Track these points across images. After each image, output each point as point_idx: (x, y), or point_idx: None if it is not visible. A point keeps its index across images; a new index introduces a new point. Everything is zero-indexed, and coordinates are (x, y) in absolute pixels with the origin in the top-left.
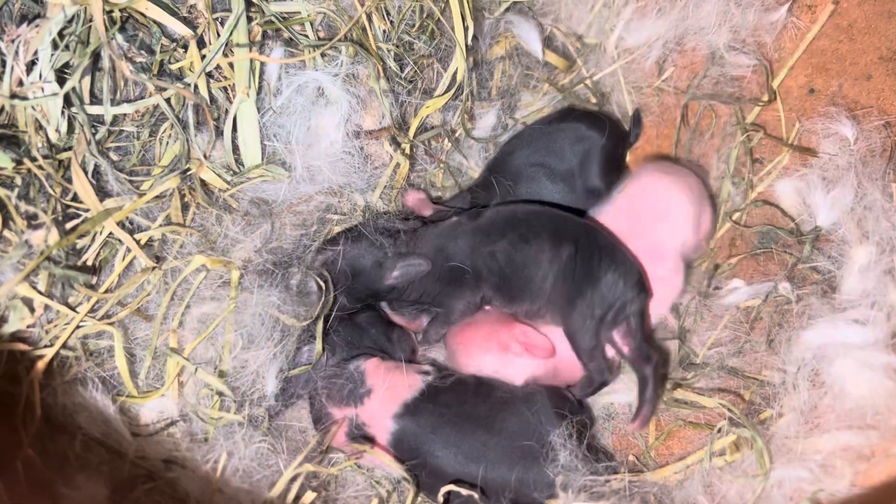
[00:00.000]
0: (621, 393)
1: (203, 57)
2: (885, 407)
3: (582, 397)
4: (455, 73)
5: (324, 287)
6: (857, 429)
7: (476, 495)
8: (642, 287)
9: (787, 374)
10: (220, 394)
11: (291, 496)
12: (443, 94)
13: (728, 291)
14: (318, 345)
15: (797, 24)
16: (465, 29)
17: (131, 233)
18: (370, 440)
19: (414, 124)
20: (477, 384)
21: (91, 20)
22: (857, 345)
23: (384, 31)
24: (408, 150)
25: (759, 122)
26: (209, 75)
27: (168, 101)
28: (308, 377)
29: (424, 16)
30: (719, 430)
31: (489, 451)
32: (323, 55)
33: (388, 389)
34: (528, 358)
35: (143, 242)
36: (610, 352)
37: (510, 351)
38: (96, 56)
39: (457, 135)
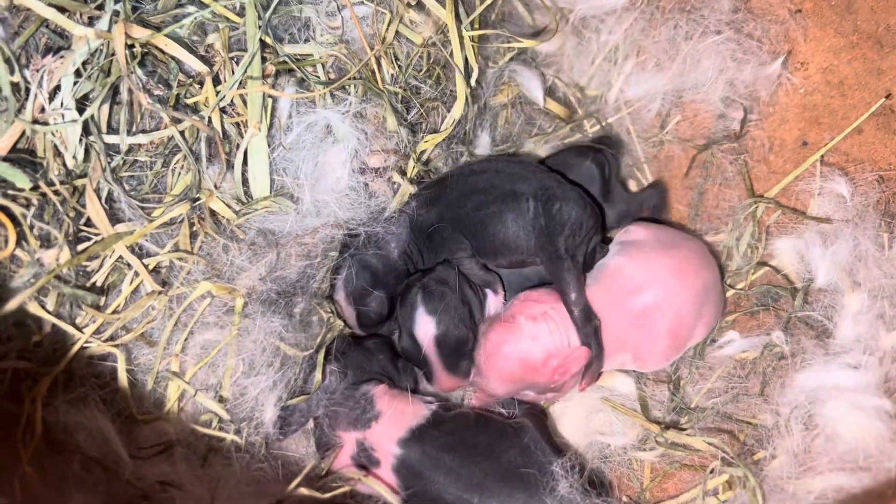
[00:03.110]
0: (617, 436)
1: (218, 93)
2: (877, 449)
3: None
4: (456, 115)
5: (327, 318)
6: (850, 470)
7: None
8: (597, 224)
9: (780, 416)
10: (220, 419)
11: None
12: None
13: (723, 344)
14: (318, 374)
15: (792, 79)
16: (470, 72)
17: (140, 258)
18: (376, 464)
19: (419, 148)
20: (477, 415)
21: (113, 54)
22: (850, 388)
23: (392, 75)
24: (413, 174)
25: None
26: (223, 111)
27: (182, 133)
28: (317, 402)
29: (431, 61)
30: (712, 471)
31: (488, 480)
32: (332, 95)
33: (394, 415)
34: (542, 321)
35: (150, 267)
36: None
37: (519, 323)
38: (115, 90)
39: None
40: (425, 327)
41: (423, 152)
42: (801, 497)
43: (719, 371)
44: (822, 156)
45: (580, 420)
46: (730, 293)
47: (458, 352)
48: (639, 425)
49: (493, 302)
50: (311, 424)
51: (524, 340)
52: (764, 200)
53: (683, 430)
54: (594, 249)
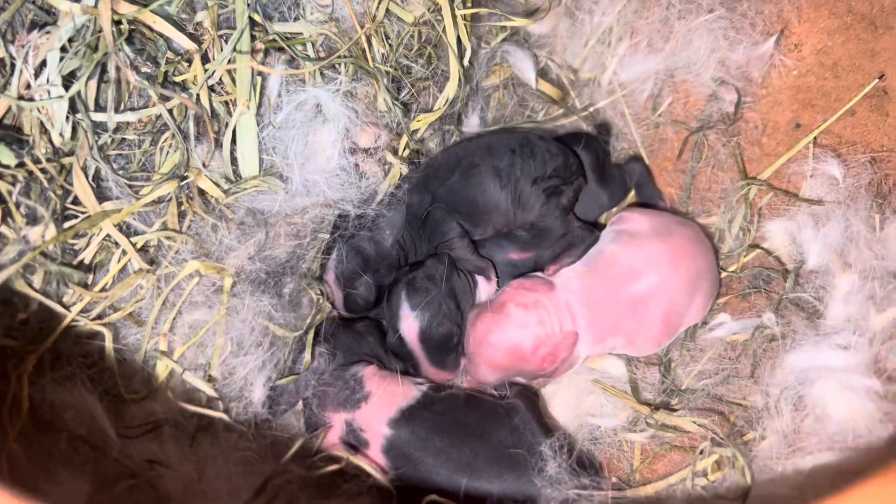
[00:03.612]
0: (608, 417)
1: (206, 70)
2: (866, 429)
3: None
4: (449, 95)
5: (316, 299)
6: (839, 450)
7: None
8: (580, 171)
9: (770, 397)
10: (208, 398)
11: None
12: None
13: (714, 326)
14: (308, 355)
15: (785, 61)
16: (463, 51)
17: (128, 237)
18: (365, 445)
19: (412, 126)
20: (467, 396)
21: (100, 30)
22: (840, 368)
23: (383, 55)
24: (405, 155)
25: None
26: (211, 89)
27: (170, 111)
28: (306, 383)
29: (422, 40)
30: (702, 452)
31: (478, 461)
32: (322, 74)
33: (384, 396)
34: (533, 309)
35: (138, 246)
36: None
37: (508, 311)
38: (103, 68)
39: None
40: (409, 323)
41: (415, 132)
42: (791, 477)
43: (710, 353)
44: (815, 138)
45: (571, 402)
46: (721, 276)
47: (443, 347)
48: (629, 407)
49: (485, 289)
50: (300, 405)
51: (513, 329)
52: (756, 182)
53: (674, 411)
54: (575, 195)
